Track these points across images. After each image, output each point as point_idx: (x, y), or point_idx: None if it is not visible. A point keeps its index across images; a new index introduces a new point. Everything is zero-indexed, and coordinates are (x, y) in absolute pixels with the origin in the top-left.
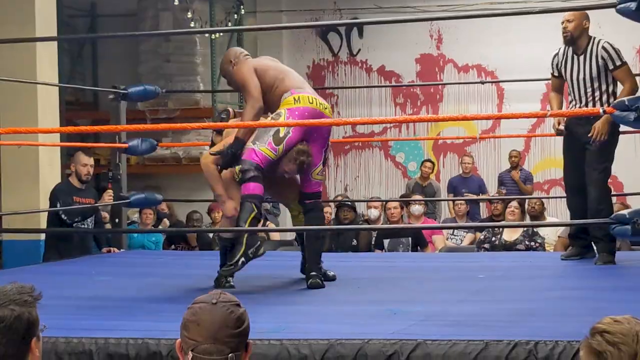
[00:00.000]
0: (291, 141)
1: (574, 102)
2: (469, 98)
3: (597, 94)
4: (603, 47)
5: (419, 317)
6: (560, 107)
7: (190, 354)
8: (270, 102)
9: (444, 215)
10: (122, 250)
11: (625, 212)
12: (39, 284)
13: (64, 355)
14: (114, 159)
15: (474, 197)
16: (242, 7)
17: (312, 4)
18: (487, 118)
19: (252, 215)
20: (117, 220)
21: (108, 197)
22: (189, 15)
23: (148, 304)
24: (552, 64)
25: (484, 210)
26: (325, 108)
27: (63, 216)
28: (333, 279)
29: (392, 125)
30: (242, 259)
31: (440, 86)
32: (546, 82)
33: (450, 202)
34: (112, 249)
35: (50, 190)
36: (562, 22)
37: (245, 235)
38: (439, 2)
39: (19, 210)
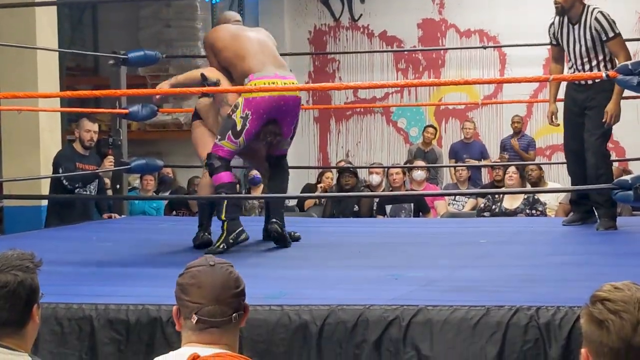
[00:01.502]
0: (249, 133)
1: (573, 68)
2: (471, 63)
3: (594, 62)
4: (596, 19)
5: (420, 283)
6: (559, 88)
7: (195, 317)
8: (237, 79)
9: (446, 181)
10: (123, 216)
11: (627, 177)
12: (40, 250)
13: (63, 321)
14: (115, 124)
15: (476, 162)
16: None
17: None
18: (489, 82)
19: (226, 204)
20: (118, 186)
21: (109, 163)
22: None
23: (148, 269)
24: (549, 33)
25: (485, 176)
26: (286, 84)
27: (65, 182)
28: (297, 239)
29: (393, 90)
30: (223, 244)
31: (442, 51)
32: (548, 47)
33: (452, 168)
34: (113, 214)
35: (51, 155)
36: None
37: (226, 222)
38: None
39: (20, 177)
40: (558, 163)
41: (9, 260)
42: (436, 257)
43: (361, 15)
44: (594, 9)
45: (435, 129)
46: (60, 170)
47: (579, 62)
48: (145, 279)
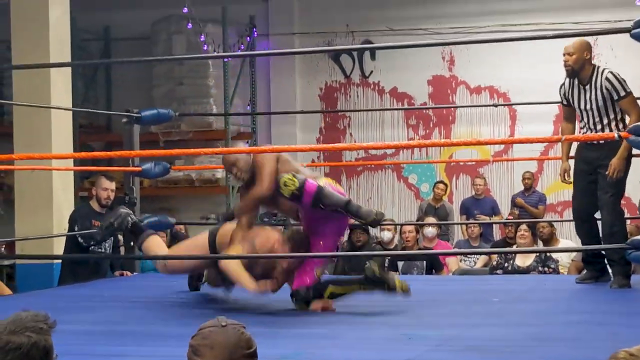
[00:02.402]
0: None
1: (585, 127)
2: (481, 119)
3: (605, 121)
4: (607, 78)
5: (433, 342)
6: (571, 146)
7: None
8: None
9: (458, 237)
10: (135, 273)
11: None
12: (53, 309)
13: None
14: (128, 182)
15: (487, 219)
16: (254, 29)
17: (324, 27)
18: (500, 143)
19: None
20: (131, 243)
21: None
22: (202, 38)
23: (161, 328)
24: (560, 94)
25: (497, 232)
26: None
27: (80, 240)
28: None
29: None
30: None
31: (452, 108)
32: (559, 104)
33: (464, 224)
34: (125, 272)
35: (64, 214)
36: (563, 55)
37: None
38: (451, 24)
39: (33, 235)
40: (570, 220)
41: (22, 322)
42: (449, 315)
43: (372, 72)
44: (604, 69)
45: (445, 185)
46: (76, 228)
47: (590, 121)
48: (158, 339)
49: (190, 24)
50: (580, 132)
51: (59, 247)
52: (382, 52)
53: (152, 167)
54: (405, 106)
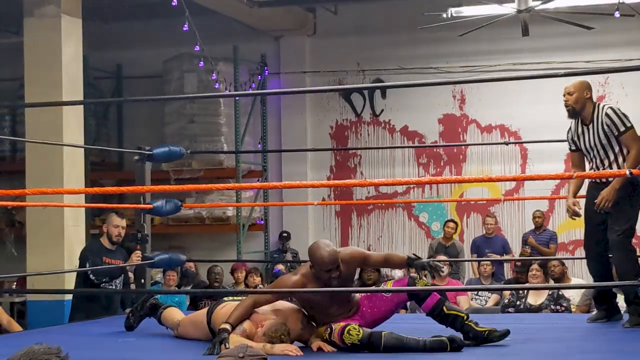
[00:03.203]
0: None
1: (593, 167)
2: (492, 158)
3: (612, 158)
4: (606, 114)
5: None
6: (580, 188)
7: None
8: None
9: (468, 276)
10: None
11: None
12: (64, 345)
13: None
14: (139, 219)
15: (497, 257)
16: (266, 68)
17: (335, 65)
18: (512, 180)
19: None
20: (142, 280)
21: (136, 258)
22: (214, 76)
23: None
24: (568, 139)
25: (508, 272)
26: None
27: (91, 276)
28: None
29: (415, 185)
30: None
31: (463, 146)
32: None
33: (475, 263)
34: None
35: (75, 250)
36: (563, 95)
37: None
38: (461, 62)
39: (44, 271)
40: (581, 258)
41: (35, 355)
42: (460, 356)
43: (382, 110)
44: (604, 105)
45: (456, 223)
46: (87, 265)
47: (597, 159)
48: None
49: (202, 62)
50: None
51: (70, 283)
52: (393, 90)
53: (164, 204)
54: (416, 144)
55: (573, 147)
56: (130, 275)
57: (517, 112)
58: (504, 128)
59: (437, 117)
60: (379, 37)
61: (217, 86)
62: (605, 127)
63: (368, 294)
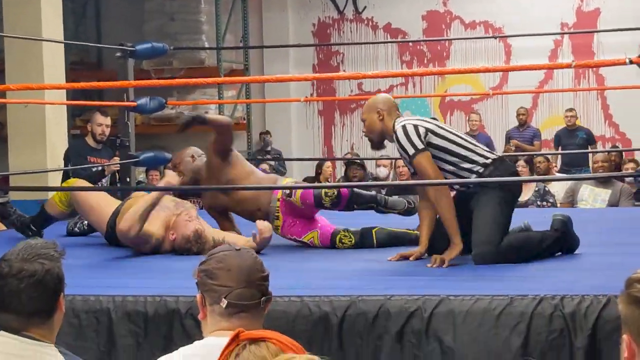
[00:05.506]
0: None
1: None
2: (476, 55)
3: None
4: (396, 137)
5: (441, 273)
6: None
7: (225, 301)
8: None
9: None
10: None
11: None
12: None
13: (81, 314)
14: (122, 118)
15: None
16: None
17: None
18: (498, 70)
19: None
20: (127, 179)
21: (114, 166)
22: None
23: (162, 262)
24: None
25: None
26: None
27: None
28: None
29: (398, 83)
30: None
31: (447, 44)
32: (554, 38)
33: None
34: None
35: (58, 149)
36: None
37: None
38: None
39: (27, 170)
40: (565, 153)
41: (34, 249)
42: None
43: (365, 7)
44: (399, 124)
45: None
46: (70, 165)
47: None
48: (160, 272)
49: None
50: None
51: (53, 182)
52: None
53: (148, 102)
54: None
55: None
56: (117, 176)
57: (501, 8)
58: (488, 24)
59: (421, 14)
60: None
61: None
62: (401, 151)
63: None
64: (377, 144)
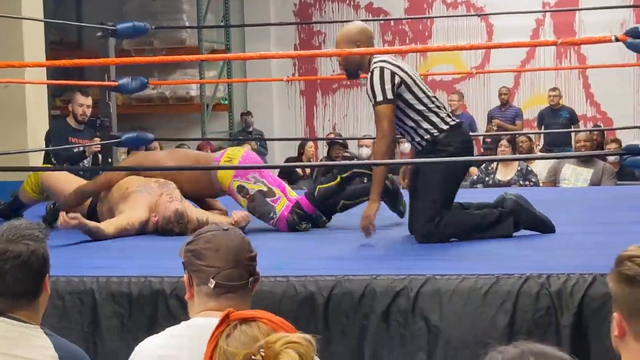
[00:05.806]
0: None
1: None
2: (457, 35)
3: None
4: (370, 77)
5: (423, 252)
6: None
7: (212, 281)
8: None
9: None
10: None
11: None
12: None
13: (64, 295)
14: (104, 98)
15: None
16: None
17: None
18: (482, 47)
19: None
20: (109, 160)
21: (95, 146)
22: None
23: (146, 243)
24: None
25: (475, 150)
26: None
27: (53, 160)
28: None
29: None
30: None
31: (429, 23)
32: (536, 17)
33: None
34: None
35: (38, 129)
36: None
37: None
38: None
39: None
40: (547, 132)
41: (19, 230)
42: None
43: None
44: (375, 61)
45: None
46: (50, 146)
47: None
48: (144, 252)
49: None
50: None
51: (34, 163)
52: None
53: (129, 82)
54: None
55: None
56: (99, 157)
57: None
58: (470, 4)
59: None
60: None
61: None
62: (369, 90)
63: None
64: (352, 74)
